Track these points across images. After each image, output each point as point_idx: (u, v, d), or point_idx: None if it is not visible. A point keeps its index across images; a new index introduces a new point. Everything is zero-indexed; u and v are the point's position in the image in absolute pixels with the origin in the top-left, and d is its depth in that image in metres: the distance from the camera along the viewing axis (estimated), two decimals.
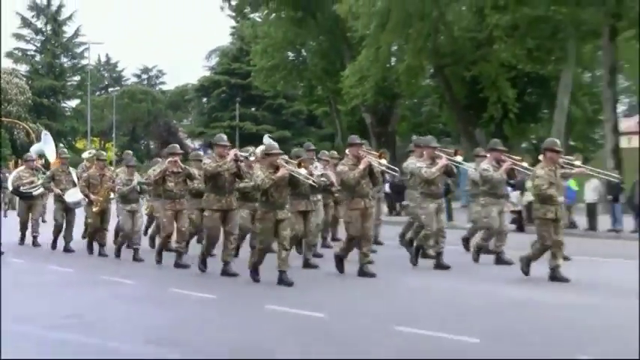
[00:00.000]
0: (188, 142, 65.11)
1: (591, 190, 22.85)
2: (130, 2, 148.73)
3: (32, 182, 17.91)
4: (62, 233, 16.81)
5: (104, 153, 17.69)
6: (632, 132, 46.65)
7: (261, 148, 16.82)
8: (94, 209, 15.68)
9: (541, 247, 12.35)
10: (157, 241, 15.72)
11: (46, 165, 20.78)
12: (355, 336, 8.41)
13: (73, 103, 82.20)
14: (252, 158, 13.57)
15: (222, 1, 45.09)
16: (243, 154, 13.64)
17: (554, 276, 12.03)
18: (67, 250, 16.48)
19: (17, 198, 19.60)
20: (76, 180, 17.03)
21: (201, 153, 17.20)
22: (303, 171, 12.11)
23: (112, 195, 16.15)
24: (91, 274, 13.29)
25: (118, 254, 15.35)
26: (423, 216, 13.80)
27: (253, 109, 66.67)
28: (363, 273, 12.49)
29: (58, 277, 13.13)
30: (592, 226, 22.89)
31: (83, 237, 17.06)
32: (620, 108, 43.34)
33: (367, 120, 42.65)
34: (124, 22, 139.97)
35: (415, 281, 12.53)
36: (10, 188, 18.81)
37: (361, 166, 12.42)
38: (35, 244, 17.67)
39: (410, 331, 8.37)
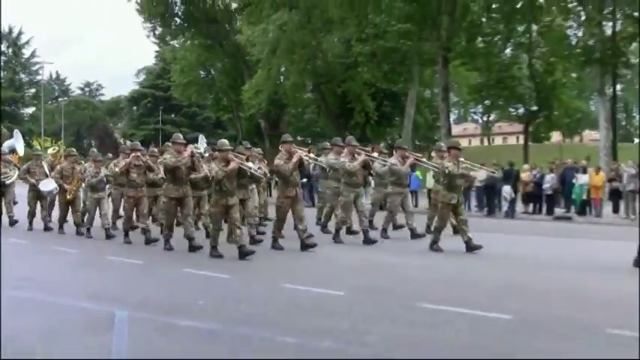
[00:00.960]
0: (121, 141, 63.99)
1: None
2: (76, 31, 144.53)
3: (5, 173, 16.80)
4: (35, 216, 15.88)
5: (74, 150, 16.61)
6: (461, 135, 48.03)
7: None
8: (68, 197, 15.00)
9: (439, 226, 12.11)
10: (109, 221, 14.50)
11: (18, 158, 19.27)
12: (251, 292, 8.35)
13: (30, 110, 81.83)
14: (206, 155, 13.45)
15: (149, 31, 44.24)
16: (196, 150, 13.10)
17: (471, 246, 11.63)
18: (47, 228, 15.56)
19: None
20: (47, 172, 16.25)
21: (155, 150, 15.84)
22: (250, 164, 11.89)
23: (82, 185, 15.57)
24: (44, 245, 12.86)
25: (79, 232, 14.60)
26: (342, 202, 13.31)
27: (173, 115, 66.12)
28: (305, 246, 11.79)
29: (15, 248, 12.46)
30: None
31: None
32: (452, 117, 44.38)
33: (262, 125, 42.57)
34: (70, 46, 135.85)
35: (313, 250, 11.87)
36: None
37: (294, 159, 11.88)
38: (11, 223, 16.42)
39: (293, 287, 8.35)
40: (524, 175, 22.11)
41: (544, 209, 21.85)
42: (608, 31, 31.03)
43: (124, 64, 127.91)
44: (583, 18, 30.15)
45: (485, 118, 60.95)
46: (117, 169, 13.87)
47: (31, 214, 15.92)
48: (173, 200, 12.07)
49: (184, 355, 5.51)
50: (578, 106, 43.09)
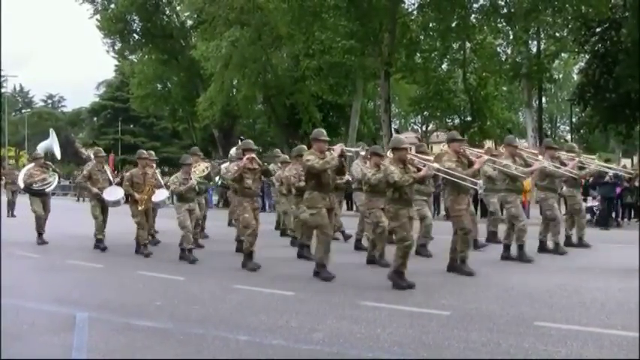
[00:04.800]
0: (83, 150, 63.01)
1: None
2: (39, 45, 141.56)
3: (44, 179, 13.87)
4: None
5: (145, 152, 12.92)
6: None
7: (233, 149, 14.97)
8: (140, 208, 11.98)
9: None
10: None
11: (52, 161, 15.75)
12: (205, 293, 8.30)
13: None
14: (362, 153, 10.90)
15: (108, 46, 43.67)
16: (350, 149, 10.67)
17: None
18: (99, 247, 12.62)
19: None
20: (111, 178, 13.31)
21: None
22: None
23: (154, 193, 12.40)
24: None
25: (139, 251, 11.88)
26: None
27: (132, 125, 65.22)
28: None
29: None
30: None
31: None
32: (394, 127, 44.75)
33: (216, 134, 42.30)
34: (33, 60, 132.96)
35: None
36: (22, 186, 14.18)
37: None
38: (43, 241, 13.64)
39: (245, 288, 8.33)
40: None
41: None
42: (534, 49, 31.75)
43: (85, 77, 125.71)
44: (511, 37, 30.77)
45: (424, 128, 61.62)
46: (229, 175, 10.89)
47: (101, 228, 12.80)
48: (323, 210, 9.13)
49: (141, 354, 5.46)
50: (509, 116, 43.84)
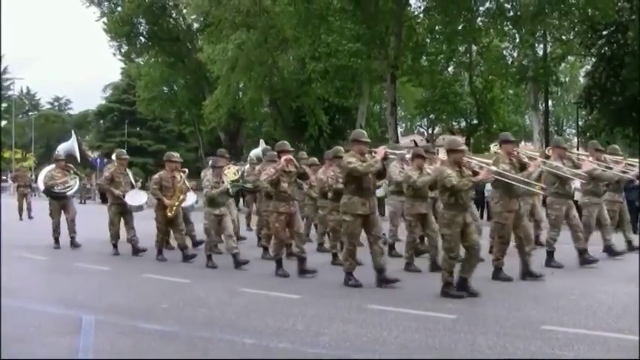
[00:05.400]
0: (89, 153, 63.13)
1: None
2: (46, 48, 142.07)
3: (65, 182, 13.28)
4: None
5: (174, 154, 12.23)
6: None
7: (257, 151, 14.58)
8: (169, 214, 11.35)
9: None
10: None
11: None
12: (211, 296, 8.30)
13: (2, 123, 79.01)
14: (408, 156, 10.50)
15: (115, 49, 43.75)
16: (395, 151, 10.25)
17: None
18: (138, 250, 12.01)
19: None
20: (133, 182, 12.85)
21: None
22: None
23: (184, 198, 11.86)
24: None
25: (186, 257, 11.24)
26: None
27: (138, 128, 65.16)
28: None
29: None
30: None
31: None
32: (400, 130, 44.78)
33: (222, 137, 42.31)
34: (40, 62, 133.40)
35: None
36: (42, 188, 13.63)
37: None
38: (74, 244, 13.12)
39: (252, 291, 8.33)
40: None
41: None
42: (540, 52, 31.74)
43: (91, 80, 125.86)
44: (518, 40, 30.75)
45: (430, 131, 61.57)
46: (262, 177, 10.38)
47: (116, 235, 12.35)
48: (359, 218, 8.60)
49: (147, 357, 5.46)
50: (515, 119, 43.92)
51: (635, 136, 30.49)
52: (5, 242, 12.58)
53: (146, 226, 12.13)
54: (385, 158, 8.68)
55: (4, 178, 55.18)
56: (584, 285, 8.75)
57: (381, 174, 8.83)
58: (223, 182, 10.96)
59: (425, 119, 56.17)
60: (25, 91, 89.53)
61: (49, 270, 10.67)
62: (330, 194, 11.03)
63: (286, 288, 8.41)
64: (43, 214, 13.96)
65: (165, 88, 46.48)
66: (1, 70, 74.58)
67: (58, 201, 13.30)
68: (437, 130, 58.35)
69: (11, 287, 8.48)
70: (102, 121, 70.19)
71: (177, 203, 11.46)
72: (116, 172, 12.60)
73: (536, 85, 31.24)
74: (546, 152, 11.79)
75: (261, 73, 34.94)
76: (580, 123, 39.09)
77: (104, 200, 17.63)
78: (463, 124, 43.52)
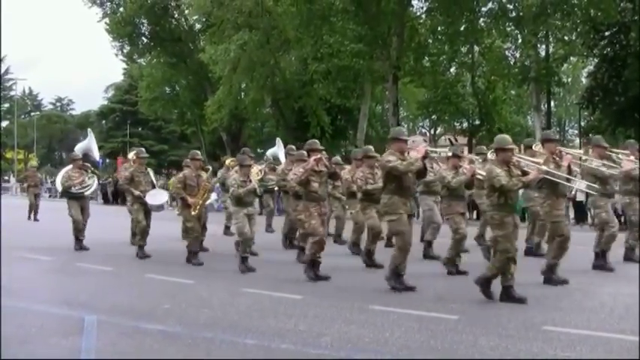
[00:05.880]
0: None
1: None
2: (47, 47, 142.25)
3: (83, 182, 13.09)
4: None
5: (198, 153, 12.23)
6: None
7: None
8: (193, 213, 11.13)
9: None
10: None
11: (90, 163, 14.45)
12: (213, 296, 8.30)
13: (4, 123, 79.34)
14: (449, 154, 10.36)
15: (117, 49, 43.84)
16: (435, 149, 10.01)
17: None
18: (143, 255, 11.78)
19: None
20: (154, 181, 12.80)
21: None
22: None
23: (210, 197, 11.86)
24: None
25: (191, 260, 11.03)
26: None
27: (140, 128, 65.36)
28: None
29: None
30: None
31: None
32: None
33: (224, 138, 42.36)
34: (42, 63, 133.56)
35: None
36: (60, 189, 13.53)
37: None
38: (82, 247, 12.94)
39: (254, 291, 8.32)
40: None
41: None
42: (543, 53, 31.69)
43: (93, 80, 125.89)
44: (520, 41, 30.74)
45: (432, 132, 61.55)
46: (290, 177, 10.29)
47: (143, 232, 12.08)
48: (403, 215, 8.33)
49: (149, 357, 5.46)
50: (517, 120, 43.85)
51: (637, 136, 30.43)
52: (8, 243, 12.65)
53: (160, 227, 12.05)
54: (425, 157, 8.48)
55: (5, 178, 55.17)
56: (587, 286, 8.75)
57: (422, 173, 8.53)
58: (251, 181, 10.59)
59: (427, 120, 56.19)
60: (27, 91, 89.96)
61: (52, 270, 10.67)
62: (359, 195, 10.93)
63: (288, 289, 8.41)
64: (48, 215, 13.96)
65: (167, 89, 46.59)
66: (2, 71, 74.66)
67: (77, 201, 13.11)
68: (439, 130, 58.40)
69: (14, 288, 8.49)
70: (104, 122, 70.31)
71: (201, 202, 11.31)
72: (136, 172, 12.51)
73: (538, 86, 31.17)
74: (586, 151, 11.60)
75: (263, 74, 34.99)
76: (582, 124, 39.06)
77: (106, 201, 17.70)
78: (465, 124, 43.47)
